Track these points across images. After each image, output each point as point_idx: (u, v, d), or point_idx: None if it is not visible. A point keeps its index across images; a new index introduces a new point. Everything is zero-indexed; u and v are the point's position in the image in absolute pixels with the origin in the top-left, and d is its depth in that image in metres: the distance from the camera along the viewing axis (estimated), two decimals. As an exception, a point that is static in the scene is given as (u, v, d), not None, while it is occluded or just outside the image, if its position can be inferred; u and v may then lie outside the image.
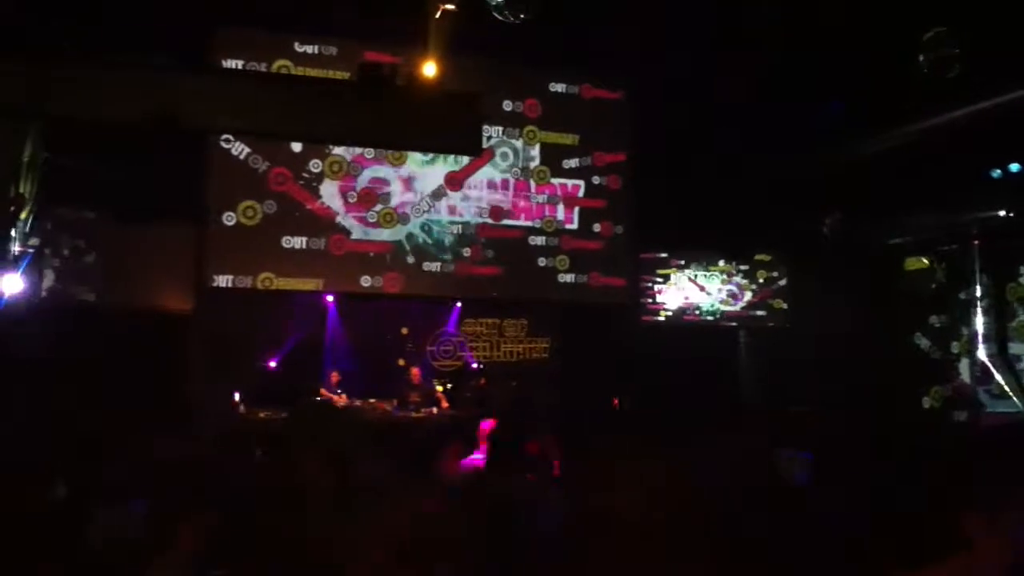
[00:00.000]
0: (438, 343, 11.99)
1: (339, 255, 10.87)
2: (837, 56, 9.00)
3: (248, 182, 10.56)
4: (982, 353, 10.80)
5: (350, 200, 10.97)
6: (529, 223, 11.69)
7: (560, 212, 11.84)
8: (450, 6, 7.81)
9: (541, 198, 11.78)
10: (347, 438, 2.59)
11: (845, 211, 11.13)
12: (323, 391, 10.54)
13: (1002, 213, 10.00)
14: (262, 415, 9.70)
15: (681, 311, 12.38)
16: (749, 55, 9.73)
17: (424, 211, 11.27)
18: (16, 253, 7.82)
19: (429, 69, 8.09)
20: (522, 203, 11.69)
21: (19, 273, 7.88)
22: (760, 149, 10.79)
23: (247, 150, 10.53)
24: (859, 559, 2.60)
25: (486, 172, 11.55)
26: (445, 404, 11.04)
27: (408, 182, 11.23)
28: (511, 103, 11.67)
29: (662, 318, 12.34)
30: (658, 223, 11.75)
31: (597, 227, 11.95)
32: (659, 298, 12.37)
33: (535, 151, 11.79)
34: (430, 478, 3.75)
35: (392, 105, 7.00)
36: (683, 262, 12.45)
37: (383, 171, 11.15)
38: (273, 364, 10.89)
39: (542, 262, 11.70)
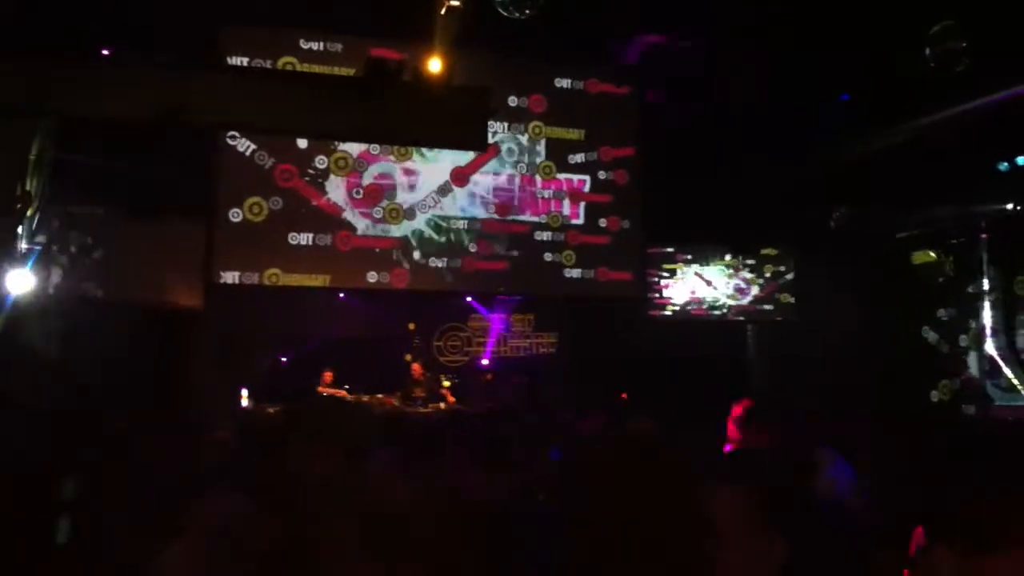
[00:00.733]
0: (445, 338, 12.00)
1: (345, 251, 10.88)
2: (843, 51, 8.98)
3: (254, 179, 10.57)
4: (990, 346, 10.78)
5: (356, 196, 10.97)
6: (535, 218, 11.68)
7: (566, 207, 11.82)
8: (455, 2, 7.79)
9: (547, 193, 11.77)
10: (358, 433, 2.59)
11: (852, 205, 11.10)
12: (320, 389, 10.53)
13: (1010, 206, 9.98)
14: (270, 411, 9.72)
15: (688, 306, 12.37)
16: (756, 50, 9.71)
17: (430, 207, 11.27)
18: (24, 250, 7.84)
19: (435, 65, 8.07)
20: (528, 198, 11.68)
21: (27, 270, 7.90)
22: (767, 144, 10.77)
23: (253, 146, 10.54)
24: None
25: (492, 167, 11.54)
26: (451, 399, 11.05)
27: (414, 178, 11.23)
28: (517, 98, 11.65)
29: (669, 313, 12.33)
30: (664, 218, 11.74)
31: (603, 222, 11.93)
32: (666, 293, 12.36)
33: (541, 146, 11.77)
34: (432, 472, 3.75)
35: (398, 101, 6.99)
36: (690, 257, 12.44)
37: (389, 167, 11.15)
38: (284, 359, 10.91)
39: (548, 257, 11.69)
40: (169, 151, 8.88)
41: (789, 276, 12.44)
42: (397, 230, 11.13)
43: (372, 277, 10.97)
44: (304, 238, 10.71)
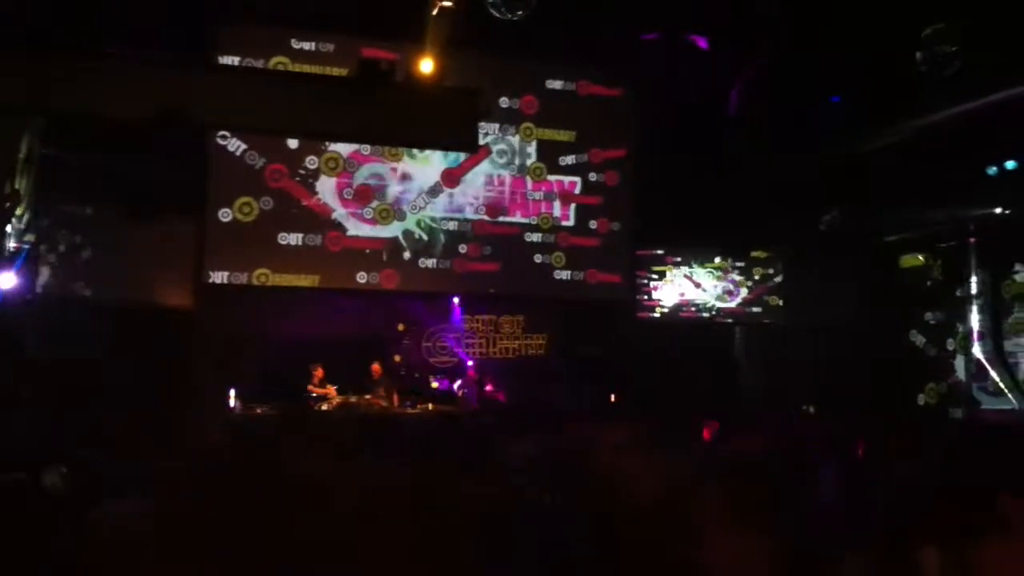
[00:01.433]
0: (434, 340, 11.97)
1: (335, 251, 10.86)
2: (836, 53, 9.01)
3: (244, 178, 10.54)
4: (978, 350, 10.84)
5: (346, 196, 10.96)
6: (526, 220, 11.69)
7: (557, 209, 11.83)
8: (447, 3, 7.80)
9: (538, 195, 11.77)
10: (343, 435, 2.60)
11: (842, 208, 11.14)
12: (310, 387, 10.47)
13: (998, 210, 10.03)
14: (258, 411, 9.69)
15: (677, 308, 12.39)
16: (748, 52, 9.74)
17: (421, 207, 11.26)
18: (12, 249, 7.80)
19: (426, 66, 8.09)
20: (519, 200, 11.68)
21: (15, 269, 7.86)
22: (757, 146, 10.80)
23: (243, 146, 10.51)
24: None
25: (483, 168, 11.54)
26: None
27: (405, 178, 11.22)
28: (508, 100, 11.65)
29: (658, 315, 12.35)
30: (654, 220, 11.77)
31: (594, 224, 11.95)
32: (655, 295, 12.38)
33: (532, 148, 11.78)
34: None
35: (389, 101, 6.99)
36: (679, 259, 12.45)
37: (380, 167, 11.14)
38: (272, 360, 10.84)
39: (539, 259, 11.69)
40: (159, 151, 8.85)
41: (778, 279, 12.48)
42: (387, 231, 11.12)
43: (362, 277, 10.96)
44: (294, 238, 10.69)
